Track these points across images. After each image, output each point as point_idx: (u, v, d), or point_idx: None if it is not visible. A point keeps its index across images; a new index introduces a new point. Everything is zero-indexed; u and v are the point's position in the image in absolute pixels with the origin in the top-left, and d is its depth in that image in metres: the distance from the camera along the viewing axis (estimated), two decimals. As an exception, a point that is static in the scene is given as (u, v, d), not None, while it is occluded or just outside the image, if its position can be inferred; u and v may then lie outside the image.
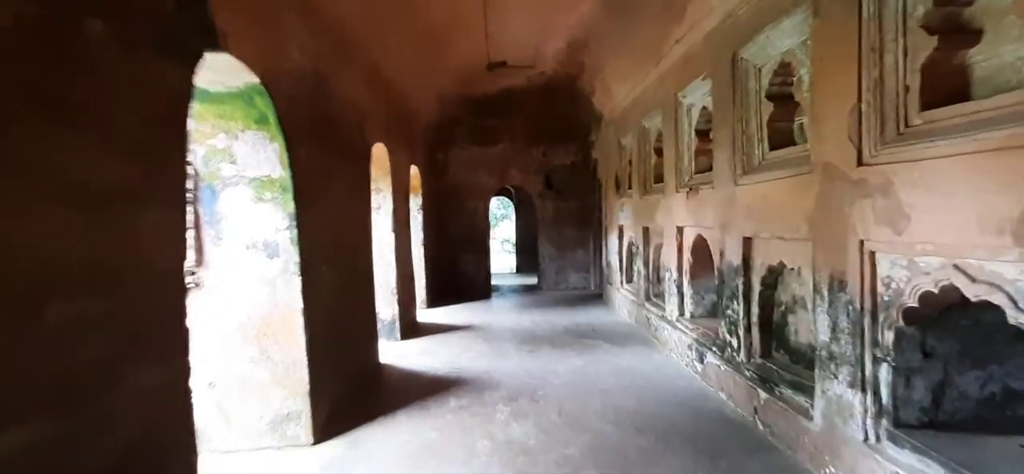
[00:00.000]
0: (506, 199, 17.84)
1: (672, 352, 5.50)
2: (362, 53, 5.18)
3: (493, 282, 11.73)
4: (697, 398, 4.30)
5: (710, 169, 4.96)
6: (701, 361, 4.70)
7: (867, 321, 2.57)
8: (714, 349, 4.44)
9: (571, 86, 9.41)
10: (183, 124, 2.24)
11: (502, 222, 25.76)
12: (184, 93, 2.26)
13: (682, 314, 5.40)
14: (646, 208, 6.60)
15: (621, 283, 8.09)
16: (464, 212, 10.73)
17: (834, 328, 2.82)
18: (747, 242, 3.89)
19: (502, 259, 20.87)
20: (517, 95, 10.06)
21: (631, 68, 6.55)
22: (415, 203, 8.78)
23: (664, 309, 5.90)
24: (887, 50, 2.44)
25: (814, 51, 3.01)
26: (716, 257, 4.46)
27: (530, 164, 10.79)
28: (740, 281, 3.94)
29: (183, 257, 2.24)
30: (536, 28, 7.22)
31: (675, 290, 5.50)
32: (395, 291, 6.52)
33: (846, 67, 2.65)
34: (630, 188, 7.64)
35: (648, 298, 6.66)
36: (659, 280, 6.65)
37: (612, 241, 8.58)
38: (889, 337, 2.46)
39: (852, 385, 2.67)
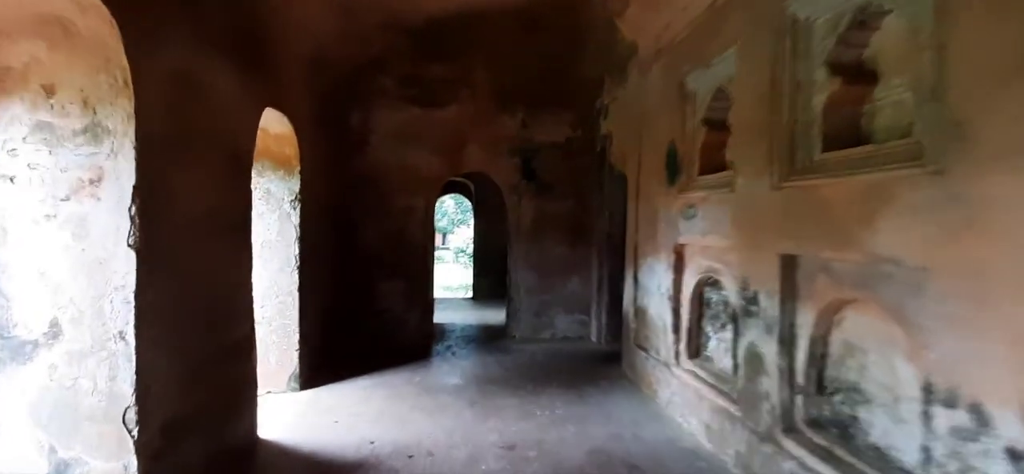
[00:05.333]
0: (462, 197, 13.76)
1: None
2: None
3: (436, 320, 7.61)
4: None
5: None
6: None
7: None
8: None
9: (573, 4, 5.51)
10: None
11: (457, 229, 21.68)
12: None
13: None
14: (815, 210, 2.72)
15: (679, 356, 4.18)
16: (392, 213, 6.60)
17: None
18: None
19: (453, 272, 16.62)
20: (482, 24, 6.05)
21: None
22: (285, 188, 4.60)
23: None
24: None
25: None
26: None
27: (500, 139, 6.79)
28: None
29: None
30: None
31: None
32: (123, 435, 2.34)
33: None
34: (714, 172, 3.78)
35: (792, 429, 2.77)
36: (838, 392, 2.76)
37: (653, 274, 4.67)
38: None
39: None
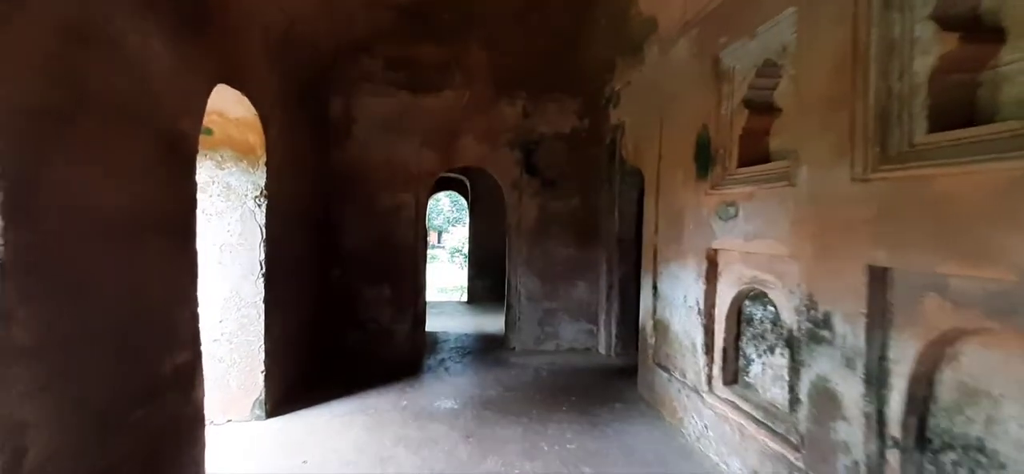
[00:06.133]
0: (458, 195, 13.13)
1: None
2: None
3: (428, 328, 6.97)
4: None
5: None
6: None
7: None
8: None
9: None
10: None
11: (452, 228, 21.10)
12: None
13: None
14: (924, 209, 2.08)
15: (712, 381, 3.54)
16: (378, 212, 5.92)
17: None
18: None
19: (448, 273, 15.89)
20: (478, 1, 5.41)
21: None
22: (248, 182, 3.92)
23: None
24: None
25: None
26: None
27: (499, 130, 6.13)
28: None
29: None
30: None
31: None
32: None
33: None
34: (757, 162, 3.15)
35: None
36: None
37: (677, 283, 4.03)
38: None
39: None
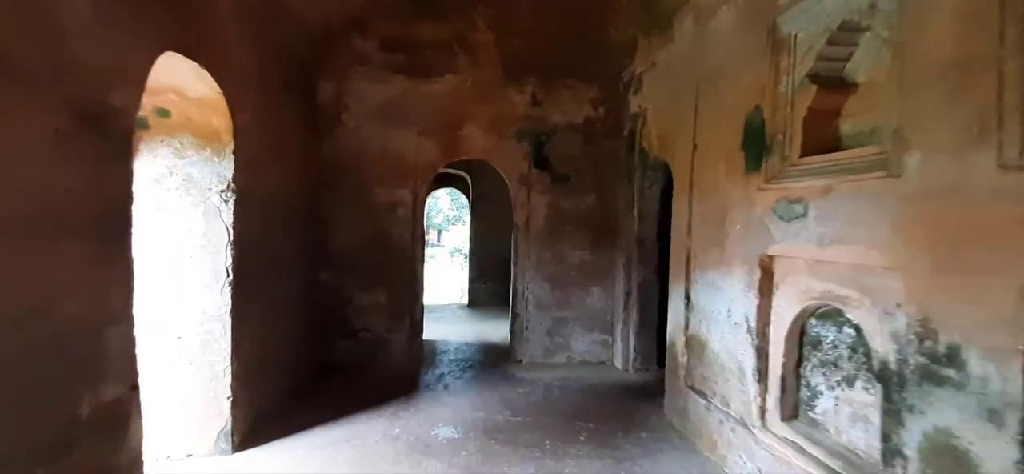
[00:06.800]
0: (458, 192, 12.57)
1: None
2: None
3: (425, 337, 6.38)
4: None
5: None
6: None
7: None
8: None
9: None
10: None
11: (451, 227, 20.52)
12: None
13: None
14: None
15: (765, 414, 2.95)
16: (372, 209, 5.33)
17: None
18: None
19: (448, 274, 15.23)
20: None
21: None
22: (213, 173, 3.32)
23: None
24: None
25: None
26: None
27: (506, 119, 5.52)
28: None
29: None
30: None
31: None
32: None
33: None
34: (824, 151, 2.55)
35: None
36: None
37: (719, 294, 3.42)
38: None
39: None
